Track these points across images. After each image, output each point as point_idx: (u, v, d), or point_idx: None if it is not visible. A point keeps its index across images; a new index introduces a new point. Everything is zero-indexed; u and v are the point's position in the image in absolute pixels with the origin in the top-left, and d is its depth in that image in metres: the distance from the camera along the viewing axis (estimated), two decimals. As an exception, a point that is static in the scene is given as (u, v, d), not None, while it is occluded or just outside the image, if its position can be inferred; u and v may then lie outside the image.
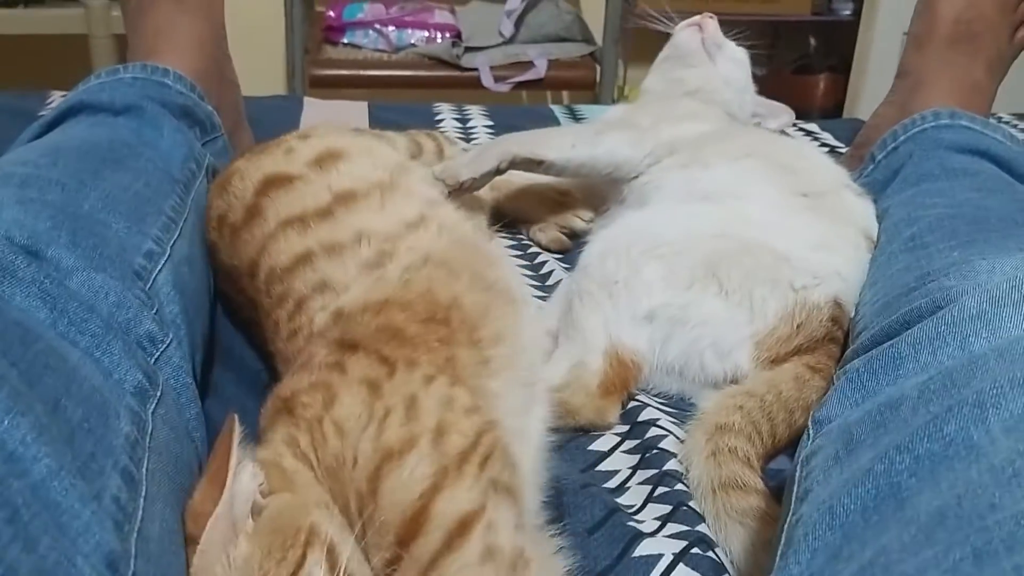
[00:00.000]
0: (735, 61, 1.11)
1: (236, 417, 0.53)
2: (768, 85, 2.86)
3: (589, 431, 0.76)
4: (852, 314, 0.81)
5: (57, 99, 1.33)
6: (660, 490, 0.68)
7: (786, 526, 0.51)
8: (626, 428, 0.77)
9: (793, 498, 0.53)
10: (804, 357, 0.78)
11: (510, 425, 0.64)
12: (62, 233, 0.63)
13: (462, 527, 0.52)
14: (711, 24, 1.12)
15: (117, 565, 0.42)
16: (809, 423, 0.60)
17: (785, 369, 0.77)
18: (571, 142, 0.99)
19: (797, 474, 0.55)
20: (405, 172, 0.84)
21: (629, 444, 0.75)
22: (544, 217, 1.08)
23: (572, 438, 0.75)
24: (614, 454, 0.74)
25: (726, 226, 0.85)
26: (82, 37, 2.11)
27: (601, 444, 0.75)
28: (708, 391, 0.78)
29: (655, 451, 0.73)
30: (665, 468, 0.70)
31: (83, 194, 0.71)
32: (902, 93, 1.10)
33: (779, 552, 0.50)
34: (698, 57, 1.10)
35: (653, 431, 0.75)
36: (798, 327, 0.78)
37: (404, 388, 0.59)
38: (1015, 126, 1.52)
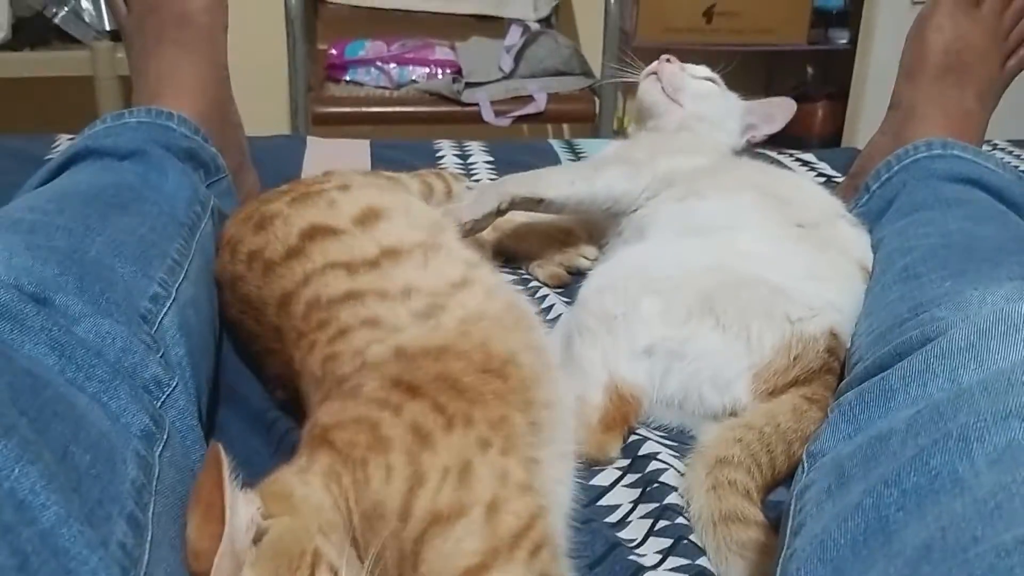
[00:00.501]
0: (700, 97, 1.12)
1: (221, 447, 0.53)
2: (766, 114, 2.86)
3: (590, 466, 0.77)
4: (848, 344, 0.82)
5: (63, 142, 1.35)
6: (661, 524, 0.69)
7: (781, 559, 0.52)
8: (627, 462, 0.78)
9: (787, 531, 0.54)
10: (801, 388, 0.79)
11: (550, 498, 0.64)
12: (69, 279, 0.65)
13: None
14: (667, 69, 1.13)
15: None
16: (804, 456, 0.61)
17: (783, 401, 0.78)
18: (569, 179, 1.00)
19: (791, 507, 0.56)
20: (442, 231, 0.85)
21: (630, 478, 0.75)
22: (547, 255, 1.09)
23: (573, 473, 0.75)
24: (615, 488, 0.74)
25: (722, 259, 0.86)
26: (88, 79, 2.14)
27: (602, 479, 0.75)
28: (708, 424, 0.79)
29: (656, 485, 0.73)
30: (666, 502, 0.71)
31: (90, 239, 0.72)
32: (895, 124, 1.12)
33: None
34: (663, 106, 1.12)
35: (654, 465, 0.76)
36: (795, 359, 0.79)
37: (460, 450, 0.59)
38: (1011, 152, 1.53)
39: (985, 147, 1.26)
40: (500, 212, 0.97)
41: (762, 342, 0.79)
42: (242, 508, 0.53)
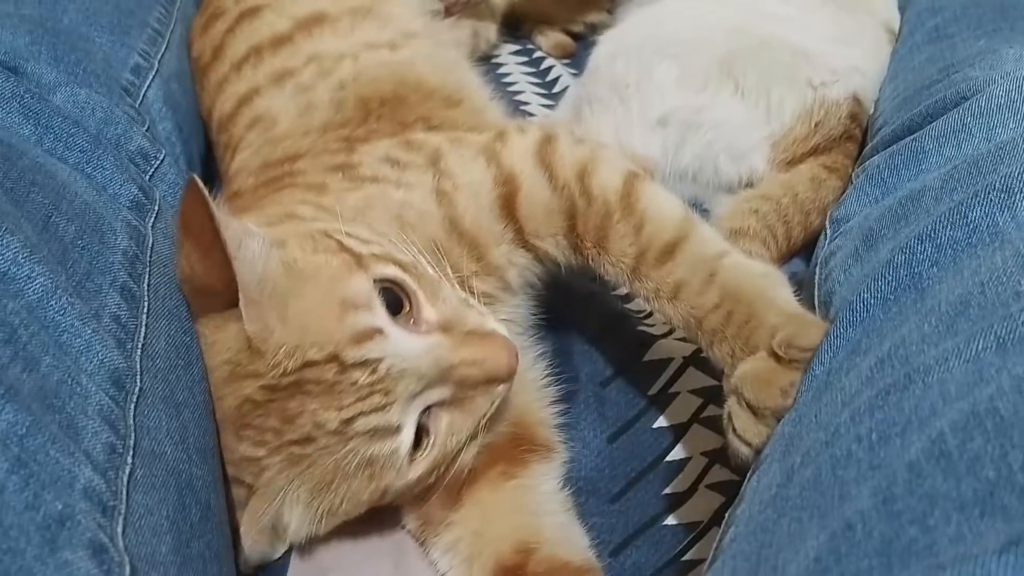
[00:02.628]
0: None
1: (196, 178, 0.48)
2: None
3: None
4: (871, 111, 0.78)
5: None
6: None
7: None
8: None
9: (815, 303, 0.52)
10: (820, 157, 0.75)
11: None
12: (42, 48, 0.60)
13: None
14: None
15: (123, 382, 0.41)
16: (827, 223, 0.59)
17: (801, 170, 0.75)
18: None
19: (816, 276, 0.54)
20: None
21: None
22: (559, 18, 1.02)
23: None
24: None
25: (742, 21, 0.80)
26: None
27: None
28: (722, 196, 0.76)
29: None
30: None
31: (61, 7, 0.67)
32: None
33: None
34: None
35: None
36: (816, 126, 0.75)
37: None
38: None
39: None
40: None
41: (782, 109, 0.75)
42: (250, 240, 0.49)
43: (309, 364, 0.45)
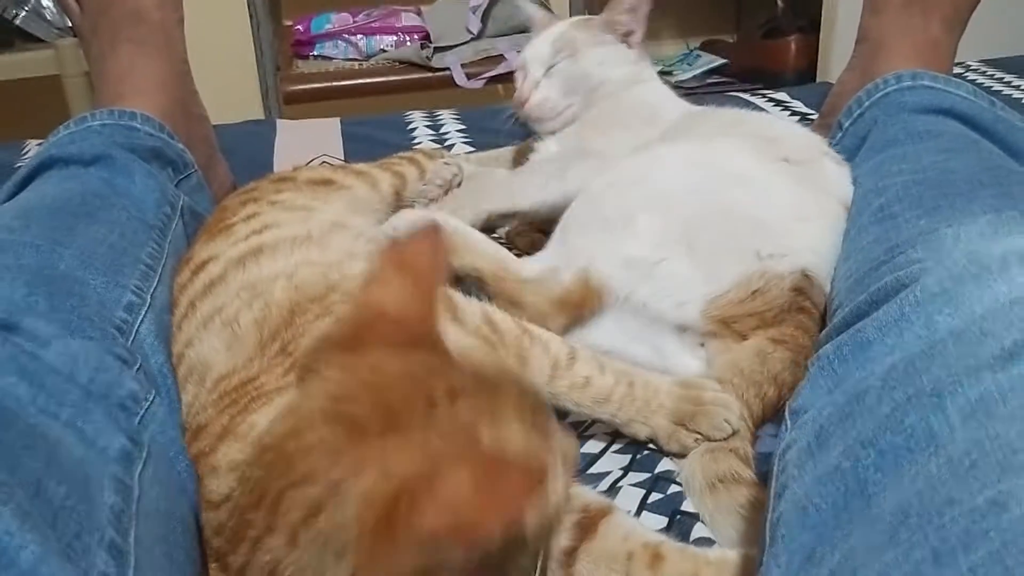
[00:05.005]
0: (572, 80, 1.05)
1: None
2: (739, 52, 2.80)
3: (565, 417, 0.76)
4: (827, 288, 0.82)
5: (32, 149, 1.34)
6: (654, 496, 0.69)
7: (767, 522, 0.52)
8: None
9: (772, 493, 0.54)
10: (769, 331, 0.79)
11: None
12: (39, 299, 0.64)
13: None
14: (529, 106, 1.05)
15: None
16: (787, 414, 0.61)
17: (745, 346, 0.78)
18: (540, 183, 0.98)
19: (775, 468, 0.56)
20: (337, 230, 0.84)
21: (619, 444, 0.75)
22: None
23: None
24: (605, 455, 0.74)
25: (713, 183, 0.87)
26: (55, 78, 2.11)
27: (591, 447, 0.75)
28: (668, 334, 0.81)
29: (646, 452, 0.73)
30: (658, 471, 0.71)
31: (58, 254, 0.71)
32: (863, 58, 1.10)
33: (765, 549, 0.50)
34: (564, 115, 1.06)
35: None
36: (754, 293, 0.80)
37: None
38: (984, 73, 1.51)
39: (957, 70, 1.25)
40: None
41: (722, 274, 0.80)
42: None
43: None
